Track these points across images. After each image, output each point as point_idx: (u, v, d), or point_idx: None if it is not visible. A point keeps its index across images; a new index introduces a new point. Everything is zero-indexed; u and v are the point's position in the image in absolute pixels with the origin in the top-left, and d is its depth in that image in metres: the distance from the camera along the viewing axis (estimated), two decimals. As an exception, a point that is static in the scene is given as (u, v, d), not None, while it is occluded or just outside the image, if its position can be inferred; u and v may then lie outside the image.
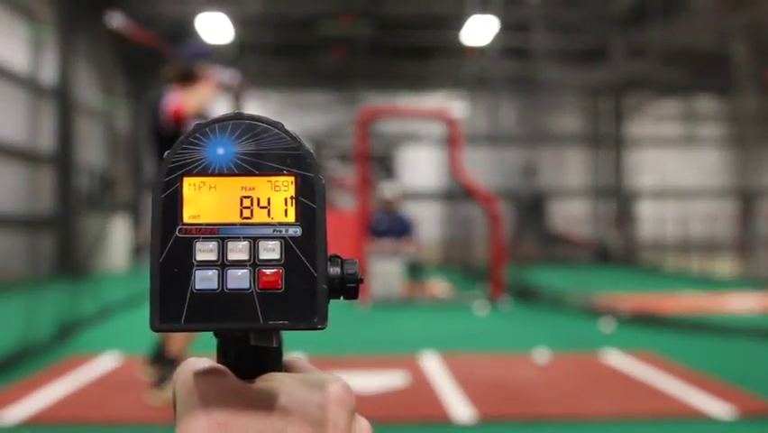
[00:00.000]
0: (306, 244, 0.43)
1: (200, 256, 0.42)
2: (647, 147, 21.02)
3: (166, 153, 0.44)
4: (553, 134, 20.96)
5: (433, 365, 5.06)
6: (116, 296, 8.82)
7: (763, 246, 14.87)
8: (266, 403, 0.41)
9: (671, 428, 3.64)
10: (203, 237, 0.43)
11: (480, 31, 16.26)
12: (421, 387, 4.42)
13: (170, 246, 0.43)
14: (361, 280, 0.45)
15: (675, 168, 20.99)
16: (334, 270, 0.44)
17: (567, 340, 6.33)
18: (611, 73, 17.98)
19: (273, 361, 0.45)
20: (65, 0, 14.08)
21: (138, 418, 3.74)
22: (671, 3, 15.16)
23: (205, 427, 0.40)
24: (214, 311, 0.42)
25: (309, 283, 0.42)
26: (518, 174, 20.23)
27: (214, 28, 15.55)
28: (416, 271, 9.75)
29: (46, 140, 13.65)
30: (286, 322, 0.42)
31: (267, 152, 0.44)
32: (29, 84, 13.06)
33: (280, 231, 0.43)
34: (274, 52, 17.48)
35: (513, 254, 14.09)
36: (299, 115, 20.30)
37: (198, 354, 0.46)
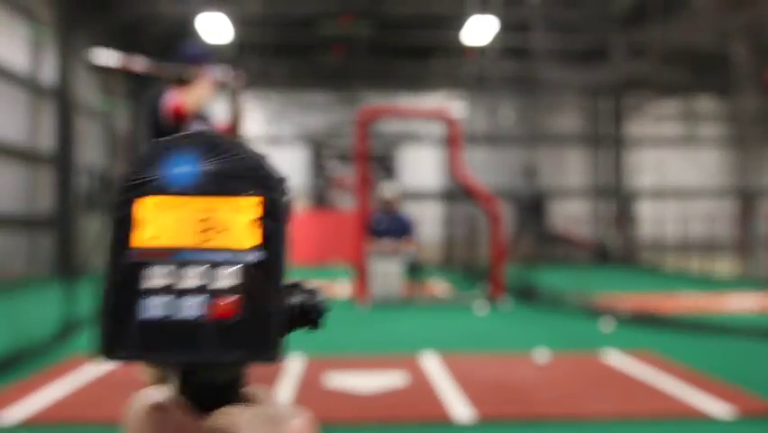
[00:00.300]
0: (266, 271, 0.40)
1: (151, 282, 0.39)
2: (647, 147, 21.01)
3: (122, 172, 0.42)
4: (553, 134, 20.95)
5: (432, 365, 5.06)
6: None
7: (762, 246, 14.87)
8: None
9: (671, 428, 3.64)
10: (156, 262, 0.40)
11: (479, 31, 16.27)
12: (421, 387, 4.42)
13: (121, 270, 0.40)
14: (324, 311, 0.42)
15: (675, 168, 20.99)
16: (296, 299, 0.41)
17: (567, 340, 6.33)
18: (611, 73, 17.97)
19: (232, 393, 0.42)
20: (65, 0, 14.08)
21: (138, 418, 3.73)
22: (671, 3, 15.16)
23: None
24: (163, 342, 0.39)
25: (267, 313, 0.39)
26: (518, 174, 20.23)
27: (214, 28, 15.57)
28: (415, 271, 9.74)
29: (46, 140, 13.65)
30: (240, 354, 0.39)
31: (230, 172, 0.41)
32: (29, 84, 13.06)
33: (240, 256, 0.40)
34: (274, 52, 17.48)
35: (513, 254, 14.08)
36: (299, 115, 20.33)
37: None
